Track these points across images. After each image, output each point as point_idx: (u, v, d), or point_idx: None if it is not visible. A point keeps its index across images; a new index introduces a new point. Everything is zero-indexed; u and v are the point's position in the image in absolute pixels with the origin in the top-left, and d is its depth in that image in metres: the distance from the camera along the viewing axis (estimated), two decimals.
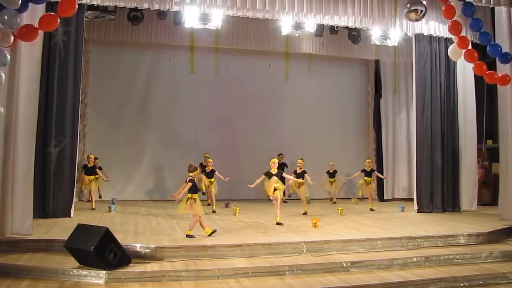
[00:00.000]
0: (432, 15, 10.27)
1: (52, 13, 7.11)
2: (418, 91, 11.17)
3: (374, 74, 14.59)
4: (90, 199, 10.46)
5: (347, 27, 11.47)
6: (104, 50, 12.60)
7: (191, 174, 7.47)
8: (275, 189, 8.75)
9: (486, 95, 12.53)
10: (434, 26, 10.56)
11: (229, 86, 13.39)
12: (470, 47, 9.15)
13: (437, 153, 11.21)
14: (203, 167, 10.92)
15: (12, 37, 6.49)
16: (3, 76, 6.50)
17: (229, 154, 13.08)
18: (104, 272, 5.68)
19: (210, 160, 10.78)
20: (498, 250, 7.32)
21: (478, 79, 10.56)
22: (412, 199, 11.54)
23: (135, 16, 11.07)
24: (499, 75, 9.09)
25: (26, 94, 7.12)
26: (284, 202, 12.19)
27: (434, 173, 11.14)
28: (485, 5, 9.51)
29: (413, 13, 9.05)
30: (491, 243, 7.79)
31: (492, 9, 10.08)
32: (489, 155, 13.13)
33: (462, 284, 6.20)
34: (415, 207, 10.97)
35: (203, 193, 10.70)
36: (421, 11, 9.04)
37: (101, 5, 9.17)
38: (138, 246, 6.49)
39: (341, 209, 10.41)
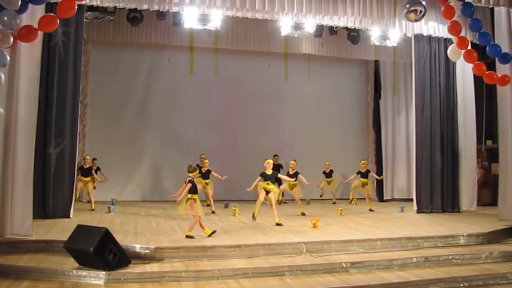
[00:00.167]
0: (431, 15, 10.27)
1: (51, 14, 7.10)
2: (417, 92, 11.17)
3: (374, 74, 14.58)
4: (89, 200, 10.45)
5: (346, 28, 11.45)
6: (103, 50, 12.59)
7: (190, 174, 7.48)
8: (267, 192, 8.75)
9: (486, 96, 12.52)
10: (434, 27, 10.56)
11: (228, 86, 13.39)
12: (469, 47, 9.17)
13: (437, 153, 11.21)
14: (199, 168, 10.91)
15: (12, 38, 6.50)
16: (3, 77, 6.50)
17: (229, 154, 13.08)
18: (104, 272, 5.68)
19: (206, 161, 10.75)
20: (498, 251, 7.32)
21: (478, 80, 10.56)
22: (411, 200, 11.52)
23: (135, 16, 11.06)
24: (499, 76, 9.10)
25: (26, 95, 7.12)
26: (284, 203, 12.21)
27: (433, 173, 11.14)
28: (484, 6, 9.50)
29: (412, 13, 9.07)
30: (491, 244, 7.78)
31: (492, 10, 10.07)
32: (488, 155, 13.14)
33: (462, 285, 6.20)
34: (415, 207, 10.97)
35: None
36: (421, 11, 9.05)
37: (100, 6, 9.16)
38: (137, 247, 6.49)
39: (341, 210, 10.41)
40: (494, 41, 9.30)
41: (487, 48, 8.97)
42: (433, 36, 10.83)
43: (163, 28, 11.84)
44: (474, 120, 11.34)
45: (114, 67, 12.77)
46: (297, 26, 10.56)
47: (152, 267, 6.04)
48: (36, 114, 7.41)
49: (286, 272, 6.16)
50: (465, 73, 11.22)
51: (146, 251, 6.44)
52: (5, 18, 6.32)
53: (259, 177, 8.86)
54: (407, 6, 9.06)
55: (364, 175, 11.46)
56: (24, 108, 7.08)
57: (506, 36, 9.53)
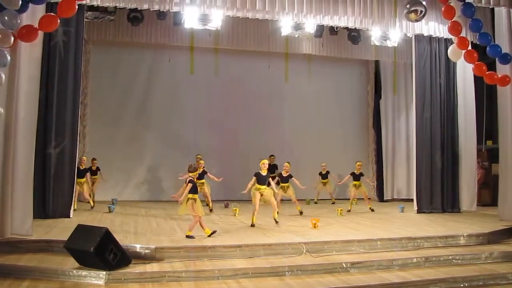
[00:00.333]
0: (432, 15, 10.26)
1: (52, 13, 7.10)
2: (418, 92, 11.17)
3: (374, 74, 14.57)
4: (88, 199, 10.41)
5: (347, 28, 11.45)
6: (104, 50, 12.59)
7: (191, 174, 7.48)
8: (261, 194, 8.70)
9: (486, 96, 12.53)
10: (434, 27, 10.56)
11: (228, 86, 13.38)
12: (470, 47, 9.15)
13: (437, 154, 11.22)
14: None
15: (12, 38, 6.49)
16: (3, 76, 6.50)
17: (229, 154, 13.09)
18: (104, 272, 5.68)
19: (202, 161, 10.65)
20: (498, 251, 7.33)
21: (478, 80, 10.55)
22: (411, 200, 11.53)
23: (135, 16, 11.07)
24: (499, 76, 9.09)
25: (26, 95, 7.12)
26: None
27: (434, 173, 11.15)
28: (485, 6, 9.49)
29: (413, 13, 9.07)
30: (491, 244, 7.78)
31: (492, 10, 10.07)
32: (489, 155, 13.13)
33: (462, 285, 6.20)
34: (415, 207, 10.97)
35: None
36: (421, 11, 9.05)
37: (101, 5, 9.16)
38: (138, 247, 6.49)
39: (341, 210, 10.42)
40: (494, 42, 9.29)
41: (488, 48, 8.96)
42: (434, 36, 10.83)
43: (163, 28, 11.83)
44: (474, 120, 11.34)
45: (115, 67, 12.77)
46: (298, 26, 10.55)
47: (152, 267, 6.04)
48: (36, 114, 7.42)
49: (286, 272, 6.17)
50: (465, 73, 11.22)
51: (146, 251, 6.44)
52: (6, 17, 6.32)
53: (254, 178, 8.76)
54: (408, 6, 9.05)
55: (357, 177, 11.20)
56: (24, 108, 7.09)
57: (507, 37, 9.53)
